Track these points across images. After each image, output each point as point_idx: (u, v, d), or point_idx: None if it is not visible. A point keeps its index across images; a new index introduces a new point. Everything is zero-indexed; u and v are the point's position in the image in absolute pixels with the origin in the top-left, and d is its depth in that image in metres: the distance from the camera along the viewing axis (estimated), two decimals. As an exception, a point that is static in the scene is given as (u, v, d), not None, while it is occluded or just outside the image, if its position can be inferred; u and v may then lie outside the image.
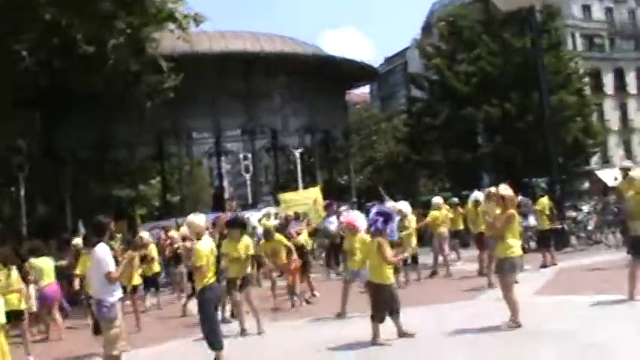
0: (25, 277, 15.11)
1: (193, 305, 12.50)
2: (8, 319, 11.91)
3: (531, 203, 20.09)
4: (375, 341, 10.00)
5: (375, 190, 35.82)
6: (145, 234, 19.42)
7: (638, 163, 53.48)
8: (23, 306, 12.30)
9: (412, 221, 17.24)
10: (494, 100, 37.75)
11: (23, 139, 28.86)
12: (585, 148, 41.96)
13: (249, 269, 12.49)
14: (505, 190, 10.72)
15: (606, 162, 59.47)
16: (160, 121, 28.48)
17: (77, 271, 13.82)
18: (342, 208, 23.78)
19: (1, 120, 23.65)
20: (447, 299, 13.65)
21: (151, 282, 18.64)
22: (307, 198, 26.25)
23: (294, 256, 15.22)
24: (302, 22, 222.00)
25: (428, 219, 19.51)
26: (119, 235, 19.72)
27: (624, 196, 14.87)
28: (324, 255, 22.57)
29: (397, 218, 13.44)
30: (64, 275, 16.44)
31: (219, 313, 13.37)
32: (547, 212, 18.27)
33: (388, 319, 10.14)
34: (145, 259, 18.28)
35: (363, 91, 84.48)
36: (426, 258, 18.85)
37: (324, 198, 25.72)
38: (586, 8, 71.63)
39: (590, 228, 22.18)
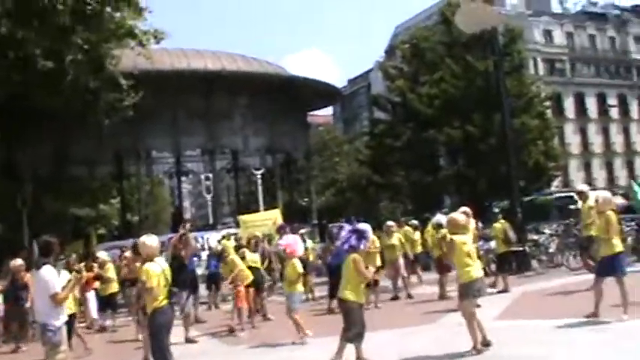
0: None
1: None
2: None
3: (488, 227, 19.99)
4: None
5: (336, 212, 35.89)
6: (102, 253, 19.07)
7: (598, 186, 54.02)
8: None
9: (375, 242, 17.10)
10: (456, 122, 37.84)
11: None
12: (547, 171, 42.13)
13: None
14: (456, 214, 10.68)
15: (566, 185, 59.94)
16: (120, 139, 28.11)
17: None
18: (302, 230, 23.49)
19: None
20: (407, 323, 13.44)
21: (107, 303, 18.27)
22: (267, 219, 26.09)
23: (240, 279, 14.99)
24: (267, 44, 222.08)
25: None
26: (74, 256, 19.37)
27: (585, 219, 14.94)
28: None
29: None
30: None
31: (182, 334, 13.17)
32: (501, 236, 18.15)
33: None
34: (100, 279, 17.94)
35: (326, 112, 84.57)
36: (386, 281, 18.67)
37: (285, 220, 25.50)
38: (547, 33, 72.66)
39: (551, 251, 22.09)
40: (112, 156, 31.33)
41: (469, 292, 10.03)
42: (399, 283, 18.49)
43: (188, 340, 13.56)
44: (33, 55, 19.46)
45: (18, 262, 15.87)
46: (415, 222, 23.21)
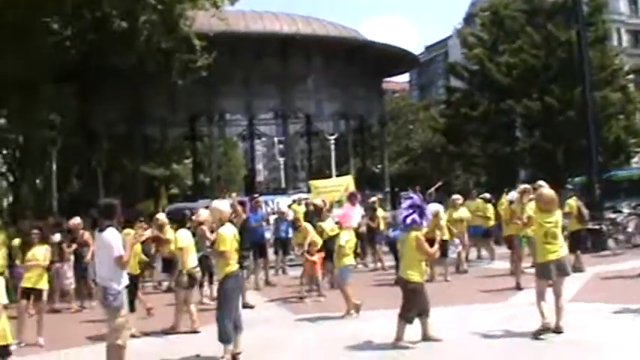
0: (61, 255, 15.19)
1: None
2: (28, 296, 11.72)
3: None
4: (397, 343, 9.41)
5: (409, 180, 35.46)
6: (161, 215, 19.05)
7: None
8: (42, 285, 11.88)
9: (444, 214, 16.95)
10: (535, 93, 36.88)
11: (57, 114, 28.79)
12: (626, 148, 40.78)
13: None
14: (547, 189, 10.21)
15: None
16: (193, 100, 28.14)
17: None
18: (374, 198, 23.17)
19: (34, 94, 23.53)
20: (476, 299, 13.07)
21: (168, 264, 18.25)
22: (339, 186, 25.83)
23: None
24: (344, 7, 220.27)
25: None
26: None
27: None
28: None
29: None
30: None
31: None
32: (575, 213, 17.52)
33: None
34: (158, 241, 17.91)
35: (402, 79, 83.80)
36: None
37: (357, 187, 25.25)
38: (633, 3, 70.09)
39: (629, 230, 21.27)
40: (185, 117, 31.51)
41: (541, 272, 9.70)
42: (463, 255, 18.21)
43: (245, 306, 13.45)
44: (108, 15, 19.54)
45: (77, 220, 16.03)
46: (488, 195, 22.58)
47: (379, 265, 19.83)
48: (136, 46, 20.26)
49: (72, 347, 11.00)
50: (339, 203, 21.75)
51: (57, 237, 15.33)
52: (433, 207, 17.20)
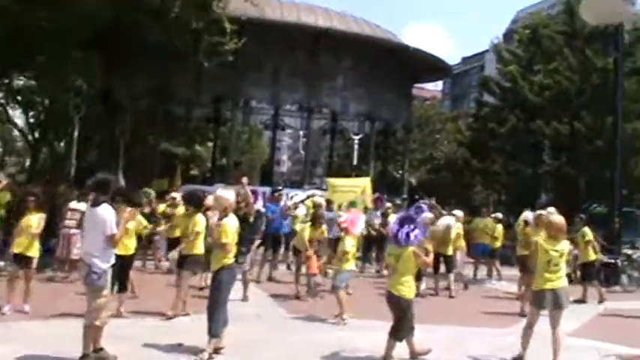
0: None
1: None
2: (19, 262, 11.53)
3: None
4: None
5: (429, 189, 35.02)
6: (177, 195, 18.87)
7: None
8: (32, 252, 11.65)
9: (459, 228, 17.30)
10: (565, 117, 36.31)
11: (83, 81, 28.65)
12: (652, 184, 40.01)
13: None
14: (556, 216, 9.83)
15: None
16: (220, 83, 27.80)
17: None
18: (388, 204, 22.88)
19: (62, 57, 23.40)
20: (476, 322, 12.70)
21: (174, 245, 18.06)
22: (356, 187, 25.59)
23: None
24: (386, 10, 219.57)
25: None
26: (152, 193, 19.27)
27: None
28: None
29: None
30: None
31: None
32: (591, 244, 17.13)
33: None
34: (169, 218, 17.77)
35: (435, 87, 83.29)
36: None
37: (374, 190, 24.94)
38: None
39: (645, 268, 20.83)
40: (210, 99, 31.19)
41: (536, 300, 9.45)
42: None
43: (243, 298, 13.27)
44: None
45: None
46: (500, 215, 22.26)
47: (385, 272, 19.53)
48: (166, 23, 20.01)
49: (57, 318, 10.79)
50: (353, 204, 21.49)
51: (82, 205, 15.15)
52: (445, 220, 16.97)
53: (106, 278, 8.16)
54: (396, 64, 30.90)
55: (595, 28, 31.08)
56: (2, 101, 37.20)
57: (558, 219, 9.74)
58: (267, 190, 23.29)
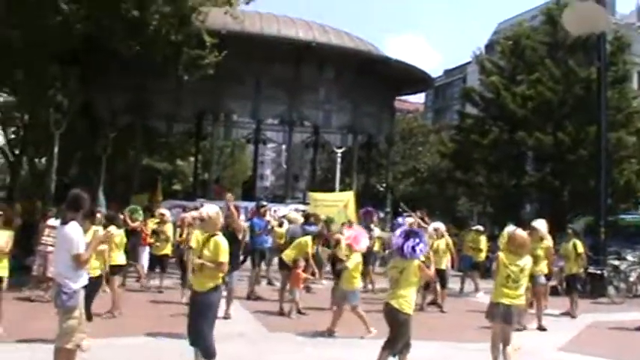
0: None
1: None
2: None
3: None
4: None
5: (413, 202, 34.76)
6: (165, 211, 18.75)
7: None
8: (2, 273, 11.28)
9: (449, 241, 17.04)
10: (548, 127, 36.22)
11: (62, 96, 28.31)
12: (636, 192, 39.96)
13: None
14: (519, 231, 9.75)
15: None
16: (200, 97, 27.67)
17: None
18: (374, 217, 22.67)
19: (39, 71, 23.10)
20: (461, 336, 12.42)
21: (158, 262, 17.89)
22: (338, 201, 25.46)
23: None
24: (367, 22, 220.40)
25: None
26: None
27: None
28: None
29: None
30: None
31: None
32: (572, 257, 16.89)
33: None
34: (157, 235, 17.59)
35: (418, 100, 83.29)
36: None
37: (358, 203, 24.73)
38: (656, 47, 69.36)
39: (631, 279, 20.55)
40: (191, 113, 30.94)
41: (488, 311, 9.48)
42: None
43: (226, 316, 12.91)
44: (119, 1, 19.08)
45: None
46: (481, 227, 22.10)
47: (370, 286, 19.27)
48: (144, 35, 19.74)
49: (29, 341, 10.42)
50: (331, 220, 21.15)
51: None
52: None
53: (77, 299, 7.80)
54: (377, 77, 30.71)
55: (577, 39, 31.06)
56: (-19, 118, 36.76)
57: (520, 235, 9.62)
58: (250, 205, 23.01)
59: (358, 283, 12.61)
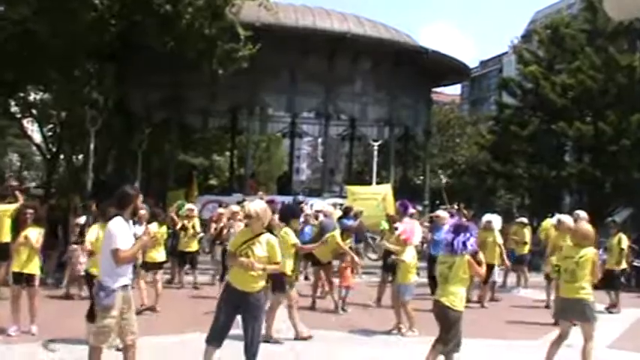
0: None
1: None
2: (20, 281, 11.06)
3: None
4: None
5: (451, 194, 34.36)
6: (192, 206, 18.53)
7: None
8: (33, 270, 11.13)
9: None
10: (589, 117, 35.50)
11: (98, 92, 28.36)
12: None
13: None
14: (585, 224, 9.33)
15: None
16: (235, 92, 27.40)
17: None
18: (411, 210, 22.26)
19: (73, 69, 23.11)
20: (505, 334, 12.07)
21: (185, 258, 17.68)
22: (376, 194, 25.16)
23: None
24: (400, 11, 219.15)
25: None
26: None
27: None
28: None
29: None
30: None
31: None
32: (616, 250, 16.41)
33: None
34: (185, 230, 17.43)
35: (454, 91, 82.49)
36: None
37: (395, 197, 24.35)
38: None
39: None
40: (226, 108, 30.84)
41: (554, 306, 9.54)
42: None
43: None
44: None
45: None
46: (524, 219, 21.51)
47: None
48: (177, 30, 19.61)
49: (65, 340, 10.26)
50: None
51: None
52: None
53: (115, 298, 7.54)
54: (414, 68, 30.23)
55: (619, 25, 30.32)
56: (18, 115, 36.92)
57: (586, 227, 9.35)
58: (287, 199, 22.76)
59: (412, 277, 12.36)
